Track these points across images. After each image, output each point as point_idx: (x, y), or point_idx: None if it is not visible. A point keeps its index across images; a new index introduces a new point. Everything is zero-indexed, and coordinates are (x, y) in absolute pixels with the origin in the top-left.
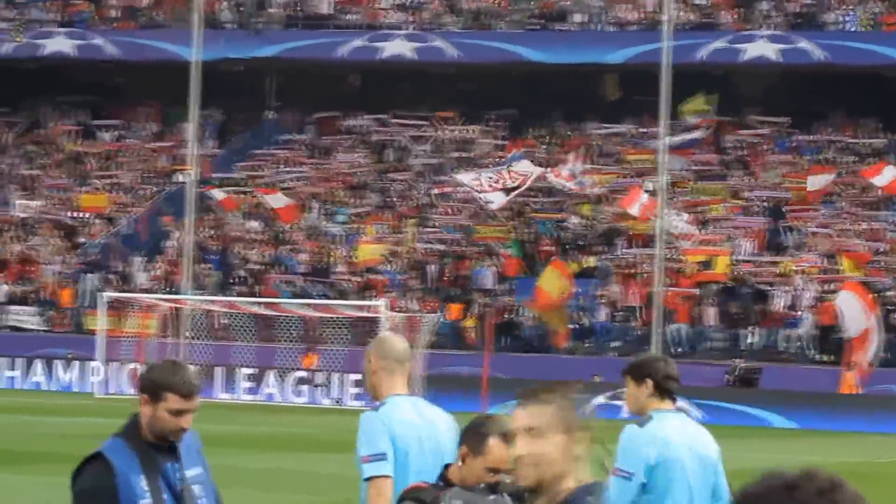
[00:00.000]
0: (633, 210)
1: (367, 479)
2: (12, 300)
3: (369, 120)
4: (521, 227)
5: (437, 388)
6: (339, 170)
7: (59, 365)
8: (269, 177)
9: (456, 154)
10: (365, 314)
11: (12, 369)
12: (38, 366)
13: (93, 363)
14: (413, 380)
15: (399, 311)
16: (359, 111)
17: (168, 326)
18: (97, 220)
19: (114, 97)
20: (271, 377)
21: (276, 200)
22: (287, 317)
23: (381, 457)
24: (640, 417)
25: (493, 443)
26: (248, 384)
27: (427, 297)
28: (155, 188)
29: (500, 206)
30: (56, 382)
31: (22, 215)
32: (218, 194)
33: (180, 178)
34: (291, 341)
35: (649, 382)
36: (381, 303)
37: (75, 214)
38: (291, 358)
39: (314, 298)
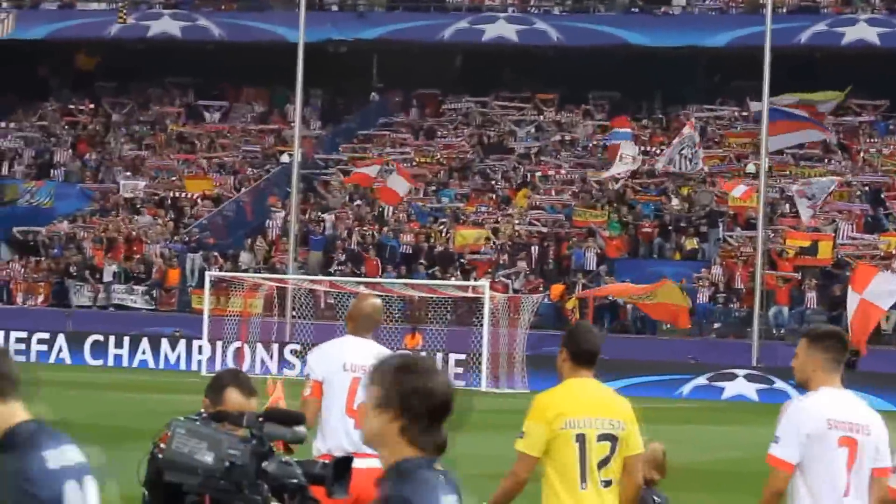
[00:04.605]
0: (737, 192)
1: None
2: (119, 279)
3: (471, 102)
4: (623, 209)
5: (539, 368)
6: (443, 151)
7: (165, 343)
8: (373, 158)
9: (557, 136)
10: (468, 294)
11: (119, 347)
12: (145, 344)
13: (198, 341)
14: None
15: (501, 292)
16: (461, 93)
17: (272, 306)
18: (202, 200)
19: (219, 79)
20: None
21: (393, 182)
22: (390, 297)
23: None
24: None
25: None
26: None
27: (529, 278)
28: (260, 169)
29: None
30: (162, 360)
31: (128, 195)
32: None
33: (285, 158)
34: (394, 321)
35: None
36: (483, 283)
37: (181, 194)
38: (394, 337)
39: (417, 279)
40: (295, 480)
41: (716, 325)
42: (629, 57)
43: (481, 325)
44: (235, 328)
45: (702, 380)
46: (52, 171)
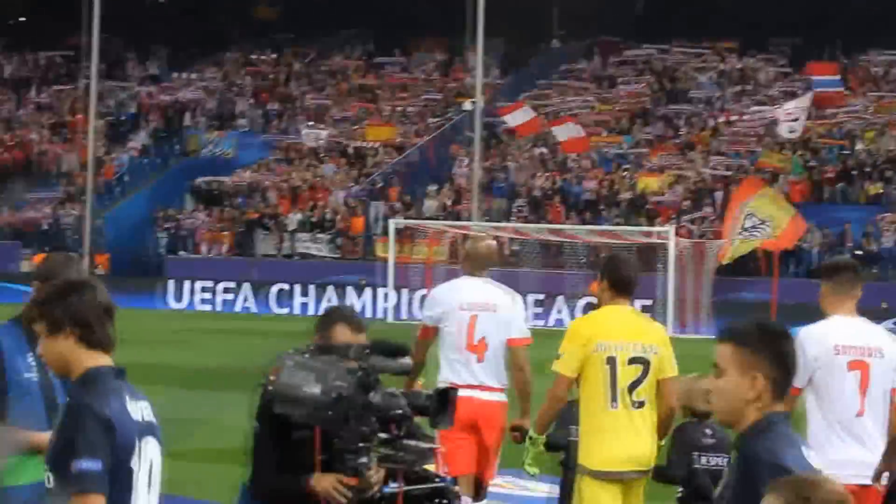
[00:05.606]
0: None
1: None
2: (303, 228)
3: (652, 49)
4: (807, 154)
5: (726, 314)
6: (623, 98)
7: (350, 291)
8: (555, 105)
9: (738, 84)
10: (652, 240)
11: (305, 296)
12: (330, 292)
13: (383, 289)
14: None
15: (686, 237)
16: (642, 40)
17: (457, 253)
18: (385, 149)
19: (399, 28)
20: (560, 303)
21: (565, 131)
22: (574, 243)
23: None
24: None
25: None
26: (537, 310)
27: (713, 223)
28: (441, 118)
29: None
30: None
31: (311, 144)
32: (513, 118)
33: (468, 106)
34: (579, 267)
35: None
36: (668, 229)
37: (363, 143)
38: (579, 283)
39: (600, 225)
40: (400, 411)
41: None
42: (810, 2)
43: (666, 271)
44: (420, 275)
45: (889, 324)
46: (233, 121)
